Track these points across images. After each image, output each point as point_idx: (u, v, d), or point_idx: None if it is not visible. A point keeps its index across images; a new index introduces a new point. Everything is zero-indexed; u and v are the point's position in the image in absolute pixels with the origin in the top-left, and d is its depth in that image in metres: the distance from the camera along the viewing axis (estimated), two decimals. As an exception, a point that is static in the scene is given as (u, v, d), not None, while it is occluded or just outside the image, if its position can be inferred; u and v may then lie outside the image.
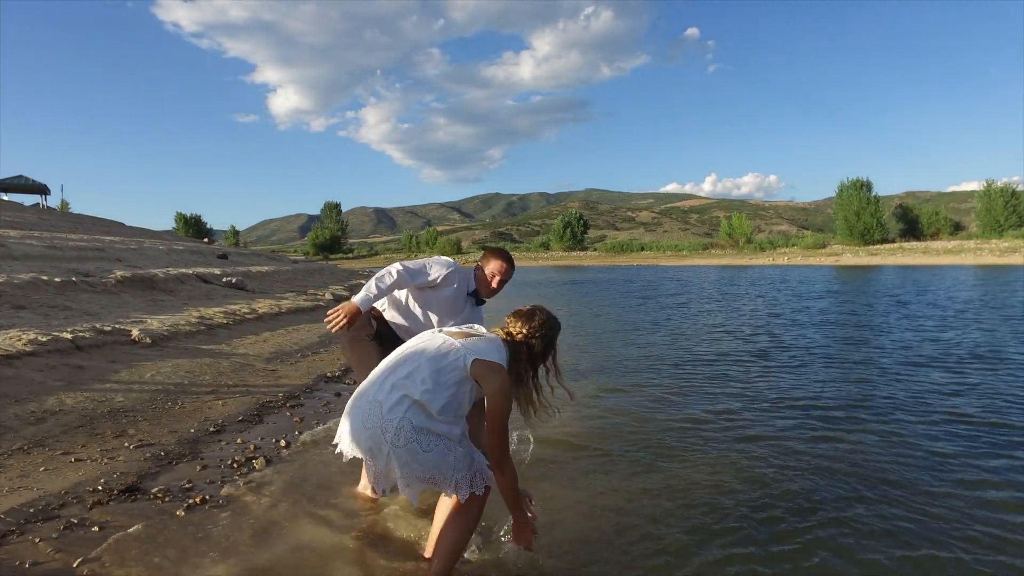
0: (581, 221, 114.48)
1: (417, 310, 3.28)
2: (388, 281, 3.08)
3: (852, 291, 20.44)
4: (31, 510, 2.89)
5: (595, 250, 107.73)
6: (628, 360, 7.73)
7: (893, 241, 73.18)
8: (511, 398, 2.29)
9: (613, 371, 6.99)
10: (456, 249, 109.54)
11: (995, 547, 2.83)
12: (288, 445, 4.15)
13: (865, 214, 71.84)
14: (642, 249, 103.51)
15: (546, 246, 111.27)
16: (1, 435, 3.84)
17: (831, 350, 8.27)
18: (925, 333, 9.70)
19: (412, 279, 3.15)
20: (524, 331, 2.38)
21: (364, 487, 3.30)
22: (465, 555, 2.58)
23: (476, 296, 3.34)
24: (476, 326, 2.51)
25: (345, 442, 2.31)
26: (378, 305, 3.29)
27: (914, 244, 68.47)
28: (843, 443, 4.28)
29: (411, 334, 2.84)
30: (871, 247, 68.20)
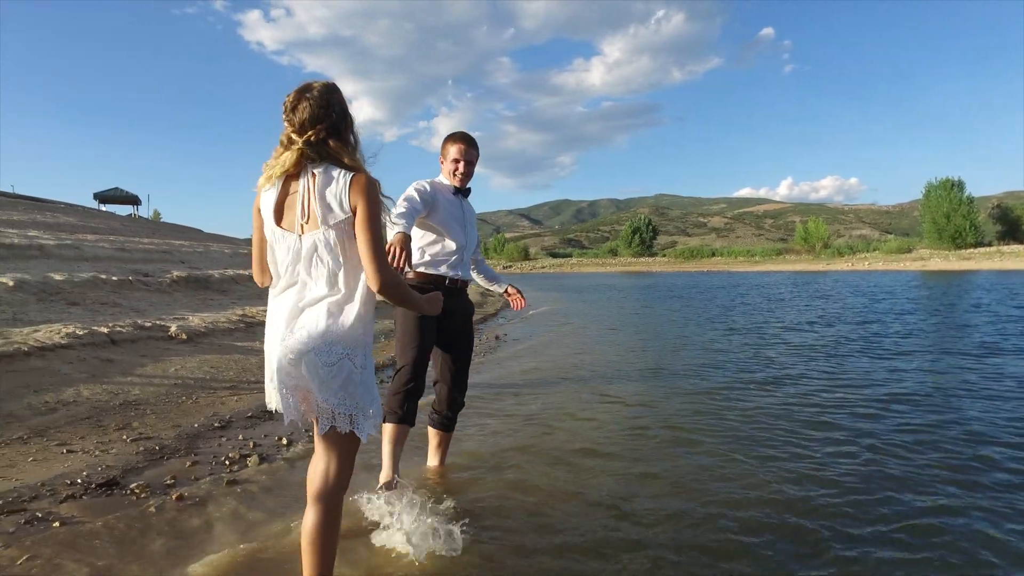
0: (650, 227, 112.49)
1: (454, 231, 3.07)
2: (405, 207, 2.80)
3: (939, 296, 18.80)
4: (0, 502, 2.80)
5: (664, 256, 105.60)
6: (653, 360, 7.21)
7: (989, 244, 67.71)
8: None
9: (640, 372, 6.51)
10: (524, 255, 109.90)
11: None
12: (290, 444, 3.96)
13: (956, 216, 66.83)
14: (713, 255, 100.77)
15: (614, 252, 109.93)
16: (7, 424, 3.84)
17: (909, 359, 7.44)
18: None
19: (421, 208, 2.91)
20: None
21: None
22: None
23: (460, 192, 3.14)
24: None
25: None
26: (430, 268, 3.09)
27: (1015, 247, 62.99)
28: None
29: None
30: (963, 251, 63.32)
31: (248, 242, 26.54)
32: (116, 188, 48.13)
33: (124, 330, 6.35)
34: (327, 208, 1.86)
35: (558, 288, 32.01)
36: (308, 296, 1.93)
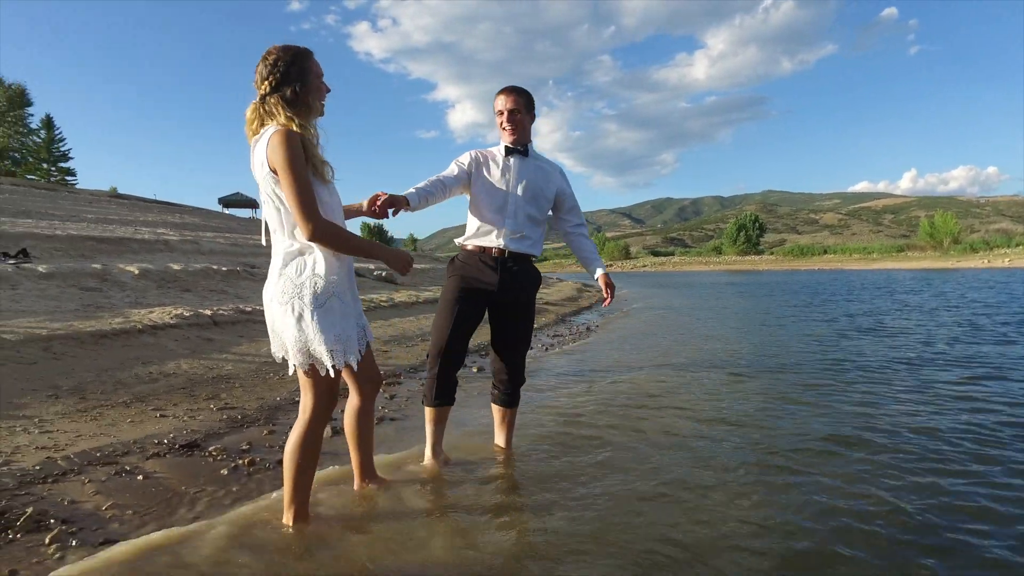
0: (756, 224, 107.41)
1: (494, 198, 2.97)
2: (426, 185, 2.86)
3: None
4: (98, 454, 3.05)
5: (772, 254, 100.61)
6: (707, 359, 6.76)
7: None
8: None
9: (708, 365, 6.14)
10: (625, 254, 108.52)
11: None
12: (362, 418, 4.07)
13: (1121, 206, 58.53)
14: (824, 252, 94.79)
15: (718, 250, 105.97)
16: (115, 390, 4.21)
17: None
18: None
19: (454, 182, 2.94)
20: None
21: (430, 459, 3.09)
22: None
23: (514, 150, 2.98)
24: None
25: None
26: (474, 239, 3.01)
27: None
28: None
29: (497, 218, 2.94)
30: None
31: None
32: (238, 193, 51.79)
33: (226, 313, 6.82)
34: (256, 164, 2.09)
35: (656, 285, 31.25)
36: (274, 245, 2.19)
